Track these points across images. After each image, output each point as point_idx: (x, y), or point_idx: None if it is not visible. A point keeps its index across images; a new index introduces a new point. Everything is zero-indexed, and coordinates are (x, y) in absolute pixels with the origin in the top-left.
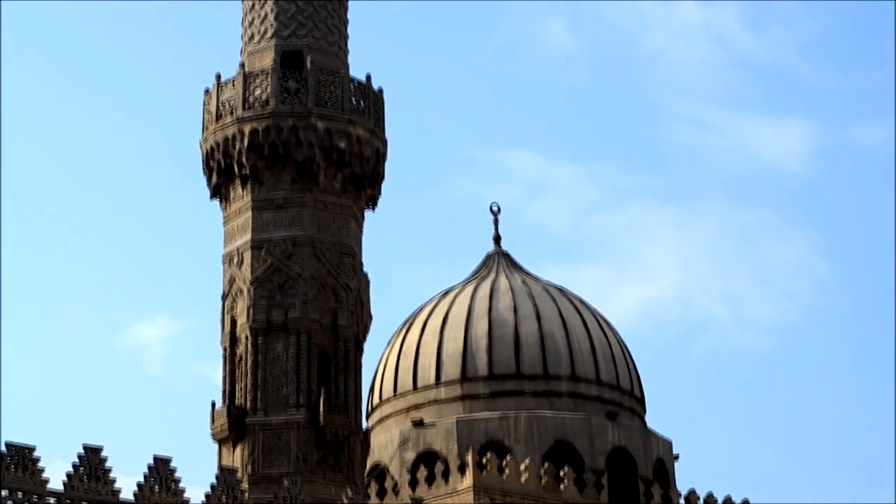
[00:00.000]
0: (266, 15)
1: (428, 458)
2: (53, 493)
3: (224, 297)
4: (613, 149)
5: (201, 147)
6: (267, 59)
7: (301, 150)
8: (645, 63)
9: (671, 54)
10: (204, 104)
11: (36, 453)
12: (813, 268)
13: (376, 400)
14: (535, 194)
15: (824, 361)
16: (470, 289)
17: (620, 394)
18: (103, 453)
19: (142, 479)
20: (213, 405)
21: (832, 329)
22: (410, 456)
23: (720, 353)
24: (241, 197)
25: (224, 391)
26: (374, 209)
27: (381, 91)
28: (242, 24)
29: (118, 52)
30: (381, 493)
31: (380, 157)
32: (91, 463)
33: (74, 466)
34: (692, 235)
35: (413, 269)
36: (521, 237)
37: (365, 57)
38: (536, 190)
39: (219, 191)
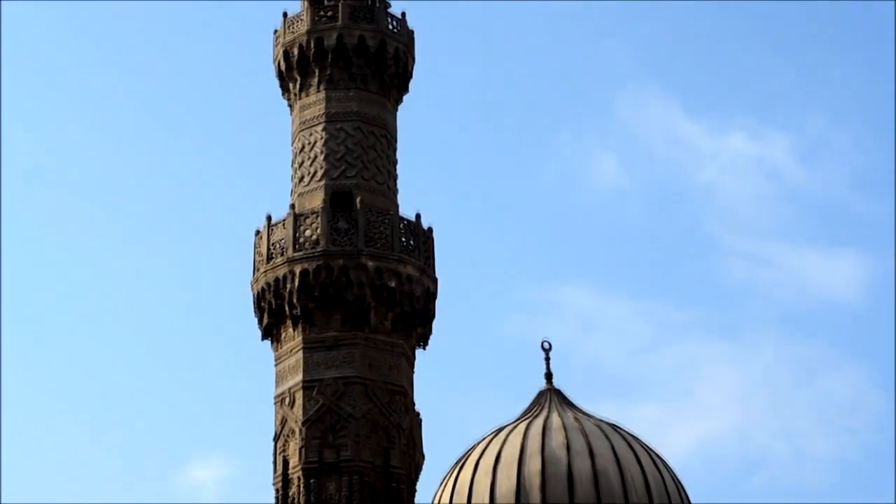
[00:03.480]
0: (316, 156)
1: None
2: None
3: (276, 439)
4: (667, 284)
5: (252, 288)
6: (317, 200)
7: (352, 291)
8: (697, 197)
9: (723, 188)
10: (255, 245)
11: None
12: (872, 402)
13: None
14: (588, 330)
15: (885, 497)
16: (522, 427)
17: None
18: None
19: None
20: None
21: (893, 464)
22: None
23: (778, 490)
24: (293, 337)
25: None
26: (424, 348)
27: (430, 230)
28: (292, 165)
29: (166, 196)
30: None
31: (430, 295)
32: None
33: None
34: (748, 370)
35: (465, 407)
36: (574, 373)
37: (415, 195)
38: (589, 326)
39: (270, 332)
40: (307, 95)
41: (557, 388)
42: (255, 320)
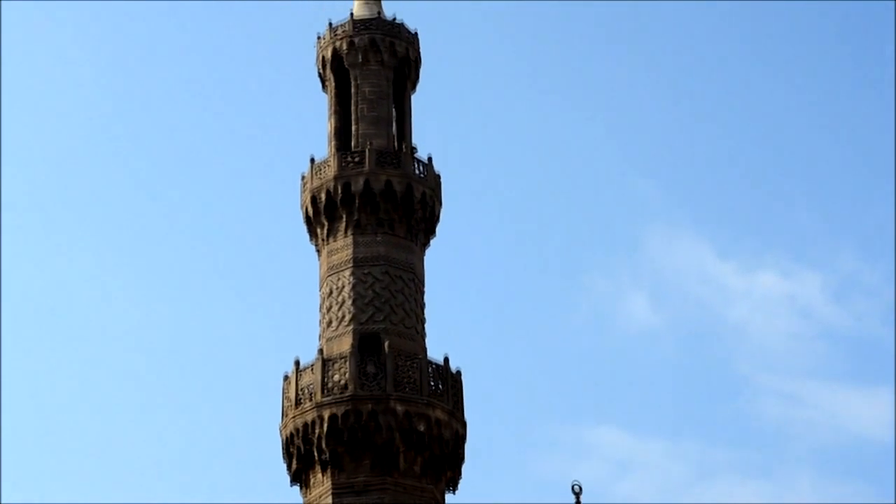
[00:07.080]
0: (344, 301)
1: None
2: None
3: None
4: (700, 423)
5: (281, 433)
6: (345, 344)
7: (381, 435)
8: (729, 336)
9: (755, 327)
10: (283, 390)
11: None
12: None
13: None
14: (621, 471)
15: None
16: None
17: None
18: None
19: None
20: None
21: None
22: None
23: None
24: (322, 482)
25: None
26: (454, 492)
27: (459, 372)
28: (320, 310)
29: (194, 343)
30: None
31: (459, 438)
32: None
33: None
34: None
35: None
36: None
37: (443, 337)
38: (622, 467)
39: (299, 477)
40: (335, 240)
41: None
42: (284, 465)
